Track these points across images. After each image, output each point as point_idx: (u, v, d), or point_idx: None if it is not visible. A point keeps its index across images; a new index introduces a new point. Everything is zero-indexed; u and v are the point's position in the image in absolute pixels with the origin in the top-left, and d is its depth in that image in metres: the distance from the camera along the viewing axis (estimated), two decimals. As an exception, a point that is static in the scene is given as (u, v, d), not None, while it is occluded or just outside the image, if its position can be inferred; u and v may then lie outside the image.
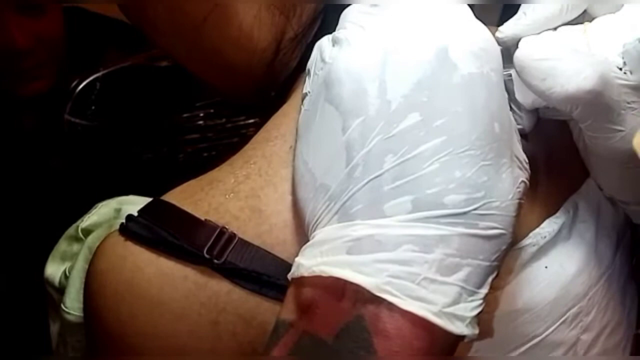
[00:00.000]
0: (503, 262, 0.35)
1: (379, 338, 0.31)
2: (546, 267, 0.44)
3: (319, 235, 0.35)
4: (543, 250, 0.44)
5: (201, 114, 0.98)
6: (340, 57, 0.35)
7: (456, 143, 0.33)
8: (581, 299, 0.46)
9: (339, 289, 0.33)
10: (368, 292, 0.31)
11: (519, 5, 0.41)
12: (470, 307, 0.33)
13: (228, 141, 0.96)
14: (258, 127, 0.44)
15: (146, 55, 0.99)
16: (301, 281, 0.34)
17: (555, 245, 0.45)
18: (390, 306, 0.31)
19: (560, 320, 0.45)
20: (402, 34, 0.35)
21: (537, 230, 0.44)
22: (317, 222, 0.35)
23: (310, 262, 0.34)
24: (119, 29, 1.06)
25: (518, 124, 0.41)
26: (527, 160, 0.37)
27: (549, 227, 0.45)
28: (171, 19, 0.44)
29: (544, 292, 0.44)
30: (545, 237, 0.44)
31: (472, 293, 0.33)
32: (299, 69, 0.45)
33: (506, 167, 0.34)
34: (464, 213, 0.32)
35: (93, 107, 0.96)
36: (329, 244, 0.33)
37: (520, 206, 0.35)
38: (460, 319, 0.32)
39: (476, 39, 0.35)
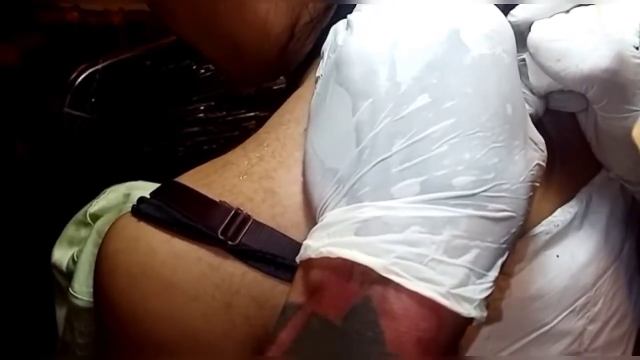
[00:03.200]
0: (514, 245, 0.35)
1: (386, 319, 0.31)
2: (558, 256, 0.45)
3: (327, 218, 0.34)
4: (555, 238, 0.44)
5: (201, 107, 0.98)
6: (352, 39, 0.35)
7: (466, 125, 0.32)
8: (589, 289, 0.46)
9: (346, 270, 0.33)
10: (375, 273, 0.31)
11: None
12: (478, 290, 0.33)
13: (228, 134, 0.95)
14: (259, 120, 0.44)
15: (146, 47, 0.98)
16: (309, 263, 0.34)
17: (567, 234, 0.45)
18: (397, 287, 0.31)
19: (569, 310, 0.45)
20: (414, 16, 0.34)
21: (550, 218, 0.44)
22: (326, 205, 0.35)
23: (317, 244, 0.33)
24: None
25: (529, 109, 0.41)
26: (543, 142, 0.36)
27: (562, 215, 0.45)
28: (188, 2, 0.44)
29: (555, 280, 0.44)
30: (558, 225, 0.44)
31: (481, 275, 0.33)
32: (314, 54, 0.45)
33: (519, 149, 0.34)
34: (473, 195, 0.32)
35: (93, 100, 0.96)
36: (337, 225, 0.33)
37: (534, 189, 0.35)
38: (468, 300, 0.32)
39: (489, 21, 0.34)
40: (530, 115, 0.40)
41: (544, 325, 0.45)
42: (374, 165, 0.33)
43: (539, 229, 0.44)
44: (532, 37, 0.38)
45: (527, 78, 0.41)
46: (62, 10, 1.07)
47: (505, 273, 0.43)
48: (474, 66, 0.33)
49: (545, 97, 0.42)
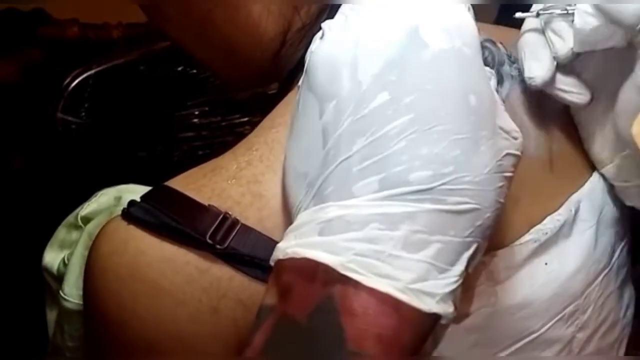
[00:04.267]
0: (486, 238, 0.34)
1: (347, 317, 0.31)
2: (546, 264, 0.45)
3: (297, 220, 0.35)
4: (544, 246, 0.45)
5: (196, 112, 0.98)
6: (320, 45, 0.36)
7: (423, 120, 0.32)
8: (578, 297, 0.46)
9: (311, 270, 0.32)
10: (336, 271, 0.31)
11: (516, 5, 0.41)
12: (441, 284, 0.32)
13: (223, 139, 0.96)
14: (253, 125, 0.44)
15: (140, 52, 0.98)
16: (280, 265, 0.34)
17: (556, 242, 0.45)
18: (356, 284, 0.31)
19: (557, 318, 0.45)
20: (376, 16, 0.35)
21: (539, 226, 0.45)
22: (299, 208, 0.35)
23: (285, 245, 0.34)
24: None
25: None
26: (517, 130, 0.36)
27: (550, 223, 0.45)
28: (181, 6, 0.44)
29: (542, 288, 0.44)
30: (546, 233, 0.44)
31: (443, 270, 0.32)
32: (305, 60, 0.45)
33: (486, 139, 0.33)
34: (430, 189, 0.32)
35: (86, 105, 0.96)
36: (304, 227, 0.34)
37: (505, 179, 0.34)
38: (430, 295, 0.32)
39: (449, 16, 0.35)
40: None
41: (532, 333, 0.45)
42: (337, 166, 0.33)
43: (527, 237, 0.44)
44: None
45: (553, 44, 0.42)
46: (61, 24, 1.07)
47: (492, 280, 0.43)
48: (433, 61, 0.33)
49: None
